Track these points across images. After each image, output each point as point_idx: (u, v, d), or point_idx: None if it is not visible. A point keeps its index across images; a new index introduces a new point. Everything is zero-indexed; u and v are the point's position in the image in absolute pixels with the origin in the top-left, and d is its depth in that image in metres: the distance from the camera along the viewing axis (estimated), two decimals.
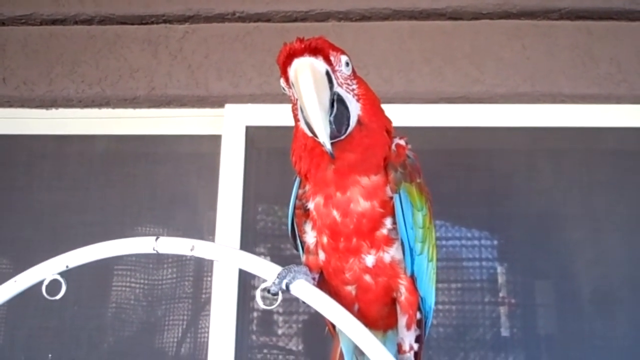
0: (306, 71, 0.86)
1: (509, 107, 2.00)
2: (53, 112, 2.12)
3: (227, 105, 2.03)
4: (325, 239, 1.02)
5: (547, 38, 2.01)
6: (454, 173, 2.01)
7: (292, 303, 1.93)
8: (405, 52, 2.01)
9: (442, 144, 2.05)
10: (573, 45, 2.00)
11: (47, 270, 1.04)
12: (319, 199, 1.00)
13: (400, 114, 1.96)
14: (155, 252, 1.04)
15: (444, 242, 1.98)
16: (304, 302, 0.96)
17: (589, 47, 2.00)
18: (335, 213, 0.98)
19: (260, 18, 2.04)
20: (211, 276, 1.93)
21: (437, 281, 1.87)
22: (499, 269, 1.96)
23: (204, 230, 1.99)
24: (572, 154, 2.03)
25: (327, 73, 0.89)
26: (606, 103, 1.99)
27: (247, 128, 2.02)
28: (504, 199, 2.00)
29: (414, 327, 1.04)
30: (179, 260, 2.00)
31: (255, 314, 1.95)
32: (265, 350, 1.93)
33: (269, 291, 0.96)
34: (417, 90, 1.98)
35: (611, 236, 1.94)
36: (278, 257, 1.98)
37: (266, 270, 0.98)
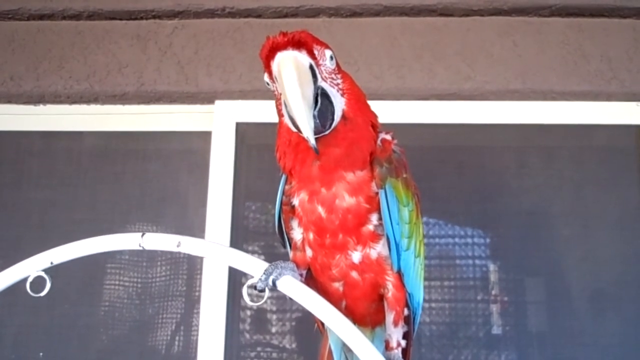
0: (289, 65, 0.85)
1: (499, 104, 2.00)
2: (41, 108, 2.10)
3: (217, 102, 2.02)
4: (311, 236, 1.01)
5: (538, 35, 2.01)
6: (445, 170, 2.01)
7: (285, 301, 1.92)
8: (396, 48, 2.00)
9: (432, 141, 2.05)
10: (564, 42, 2.00)
11: (31, 267, 1.02)
12: (304, 195, 0.99)
13: (391, 111, 1.97)
14: (141, 248, 1.03)
15: (436, 240, 1.97)
16: (290, 299, 0.95)
17: (580, 44, 2.00)
18: (320, 209, 0.97)
19: (250, 14, 2.02)
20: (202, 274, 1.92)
21: (429, 279, 1.90)
22: (490, 266, 1.96)
23: (194, 227, 1.98)
24: (563, 151, 2.04)
25: (311, 67, 0.88)
26: (597, 100, 1.99)
27: (238, 124, 2.01)
28: (495, 196, 2.00)
29: (401, 323, 1.03)
30: (172, 259, 1.99)
31: (245, 312, 1.94)
32: (255, 348, 1.92)
33: (255, 288, 0.95)
34: (408, 86, 1.97)
35: (602, 233, 1.95)
36: (269, 255, 1.98)
37: (253, 266, 0.97)
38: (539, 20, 2.02)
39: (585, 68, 1.97)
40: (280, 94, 0.90)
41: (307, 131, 0.85)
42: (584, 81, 1.97)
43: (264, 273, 0.94)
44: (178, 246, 1.00)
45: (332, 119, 0.90)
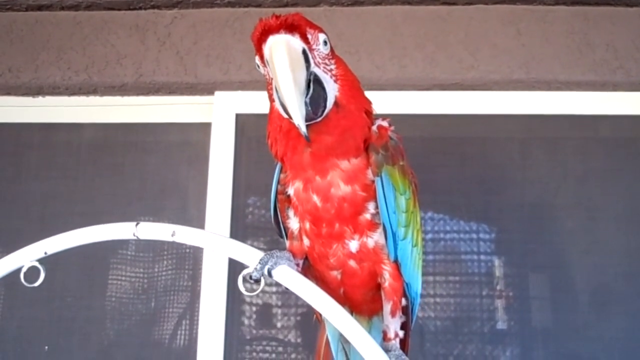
0: (282, 49, 0.82)
1: (503, 94, 1.97)
2: (39, 99, 2.09)
3: (216, 93, 2.00)
4: (307, 225, 1.00)
5: (542, 23, 1.98)
6: (447, 161, 1.98)
7: (288, 295, 1.91)
8: (398, 37, 1.98)
9: (435, 132, 2.02)
10: (569, 31, 1.97)
11: (25, 257, 1.01)
12: (298, 184, 0.97)
13: (393, 101, 1.95)
14: (135, 237, 1.01)
15: (440, 235, 1.95)
16: (287, 289, 0.94)
17: (585, 32, 1.96)
18: (315, 198, 0.95)
19: (250, 3, 2.00)
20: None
21: (433, 274, 1.88)
22: (495, 261, 1.94)
23: (194, 219, 1.97)
24: (568, 142, 2.00)
25: (304, 52, 0.85)
26: (602, 90, 1.96)
27: (237, 116, 1.99)
28: (498, 187, 1.97)
29: (399, 313, 1.02)
30: (175, 254, 1.98)
31: (246, 306, 1.93)
32: (256, 341, 1.91)
33: (250, 277, 0.93)
34: (410, 76, 1.95)
35: (608, 226, 1.92)
36: (269, 246, 1.96)
37: (248, 255, 0.96)
38: (543, 9, 1.99)
39: (590, 57, 1.94)
40: (272, 79, 0.88)
41: (298, 118, 0.82)
42: (589, 71, 1.93)
43: (260, 262, 0.93)
44: (173, 236, 0.99)
45: (324, 106, 0.88)
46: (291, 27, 0.84)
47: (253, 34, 0.85)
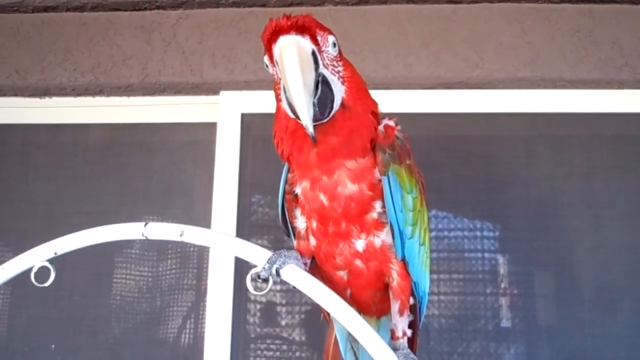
0: (292, 50, 0.83)
1: (508, 92, 1.97)
2: (46, 100, 2.10)
3: (222, 93, 2.01)
4: (314, 224, 1.00)
5: (547, 22, 1.98)
6: (452, 160, 1.98)
7: (293, 294, 1.91)
8: (403, 36, 1.98)
9: (440, 131, 2.02)
10: (574, 29, 1.96)
11: (36, 257, 1.02)
12: (306, 183, 0.98)
13: (398, 100, 1.95)
14: (144, 237, 1.02)
15: (445, 233, 1.95)
16: (294, 288, 0.94)
17: (591, 30, 1.96)
18: (322, 197, 0.95)
19: (255, 3, 2.00)
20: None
21: (438, 272, 1.89)
22: (499, 259, 1.93)
23: (200, 219, 1.97)
24: (573, 140, 2.00)
25: (313, 53, 0.86)
26: (608, 88, 1.96)
27: (243, 115, 2.00)
28: (503, 186, 1.97)
29: (407, 312, 1.02)
30: (181, 252, 1.99)
31: (252, 304, 1.93)
32: (261, 340, 1.92)
33: (259, 276, 0.94)
34: (415, 75, 1.95)
35: (613, 224, 1.91)
36: (275, 245, 1.96)
37: (256, 255, 0.96)
38: (548, 7, 1.99)
39: (596, 55, 1.94)
40: (280, 79, 0.89)
41: (306, 119, 0.83)
42: (595, 69, 1.93)
43: (268, 262, 0.93)
44: (181, 235, 0.99)
45: (332, 107, 0.89)
46: (302, 28, 0.84)
47: (263, 33, 0.86)
